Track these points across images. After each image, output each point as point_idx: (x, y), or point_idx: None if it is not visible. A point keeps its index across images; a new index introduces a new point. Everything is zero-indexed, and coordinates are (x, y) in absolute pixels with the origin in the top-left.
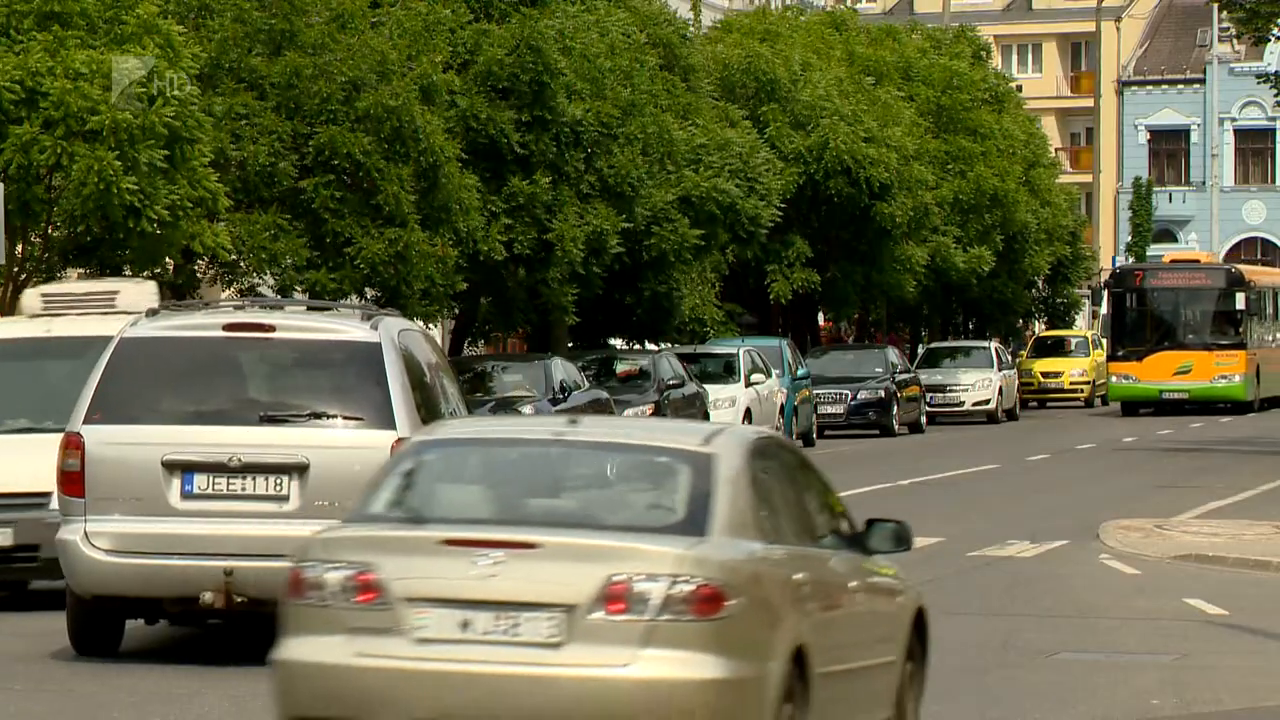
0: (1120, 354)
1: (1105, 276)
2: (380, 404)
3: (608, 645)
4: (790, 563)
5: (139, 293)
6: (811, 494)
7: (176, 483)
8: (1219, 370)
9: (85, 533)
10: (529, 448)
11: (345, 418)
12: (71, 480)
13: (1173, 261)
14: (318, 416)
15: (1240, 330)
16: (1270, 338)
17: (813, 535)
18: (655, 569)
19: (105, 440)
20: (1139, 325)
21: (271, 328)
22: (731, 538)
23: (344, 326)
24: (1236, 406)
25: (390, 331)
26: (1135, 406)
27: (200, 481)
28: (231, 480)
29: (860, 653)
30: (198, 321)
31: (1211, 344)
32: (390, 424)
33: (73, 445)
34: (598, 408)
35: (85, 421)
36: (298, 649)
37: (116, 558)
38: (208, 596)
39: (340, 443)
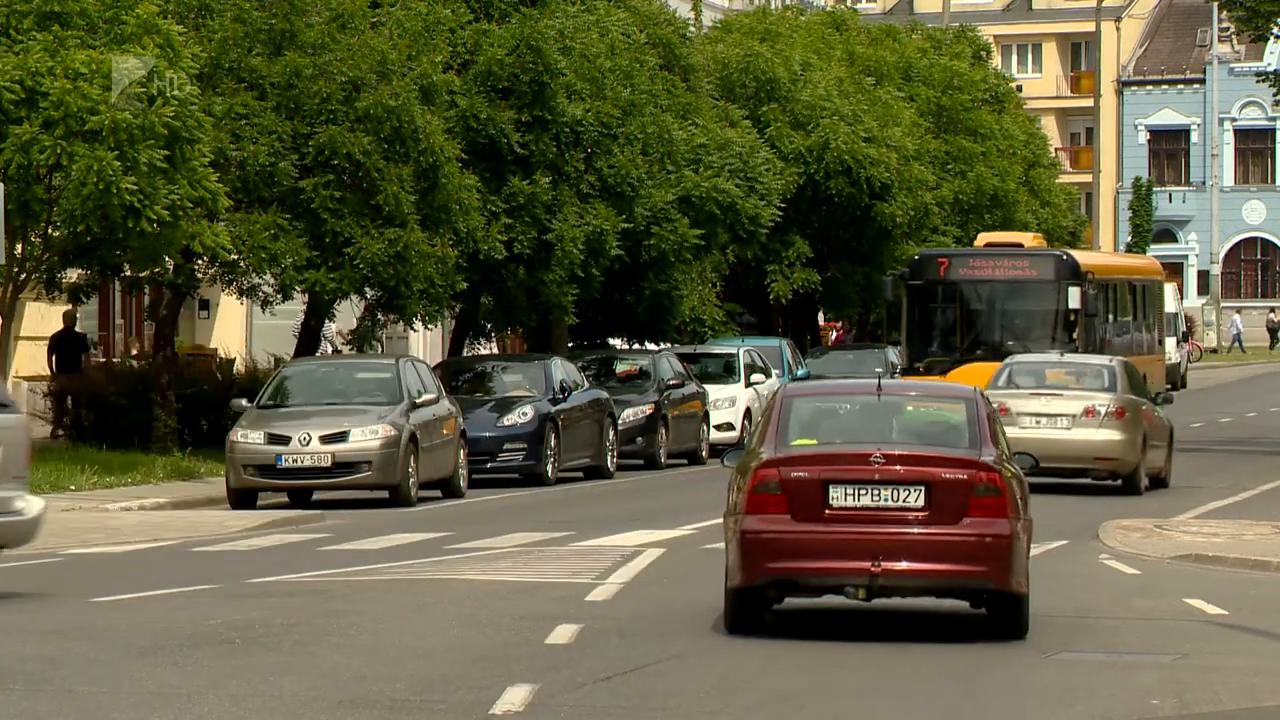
0: (919, 367)
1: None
2: None
3: (1088, 429)
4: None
5: None
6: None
7: None
8: None
9: None
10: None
11: None
12: None
13: (988, 245)
14: None
15: (1075, 335)
16: (1122, 345)
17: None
18: (1105, 401)
19: None
20: (944, 328)
21: None
22: (1131, 394)
23: None
24: None
25: None
26: None
27: None
28: None
29: None
30: None
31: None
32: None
33: None
34: (597, 408)
35: None
36: None
37: None
38: None
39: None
